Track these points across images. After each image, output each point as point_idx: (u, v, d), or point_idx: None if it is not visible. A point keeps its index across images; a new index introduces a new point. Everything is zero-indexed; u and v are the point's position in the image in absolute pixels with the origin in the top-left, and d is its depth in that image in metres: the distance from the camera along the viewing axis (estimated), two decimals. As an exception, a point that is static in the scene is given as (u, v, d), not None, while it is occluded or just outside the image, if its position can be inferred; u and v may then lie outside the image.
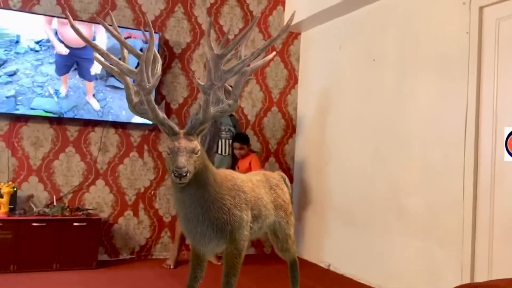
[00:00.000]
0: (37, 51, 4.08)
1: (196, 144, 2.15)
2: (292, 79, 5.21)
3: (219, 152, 4.40)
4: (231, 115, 4.54)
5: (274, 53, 2.56)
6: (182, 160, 2.05)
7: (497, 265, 2.97)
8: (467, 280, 3.03)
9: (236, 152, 4.40)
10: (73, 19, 4.16)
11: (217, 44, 2.22)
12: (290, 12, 5.02)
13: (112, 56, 2.16)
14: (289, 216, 2.88)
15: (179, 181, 2.05)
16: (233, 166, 4.43)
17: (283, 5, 5.12)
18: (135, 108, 2.21)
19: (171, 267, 4.14)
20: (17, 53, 4.01)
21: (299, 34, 5.23)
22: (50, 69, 4.11)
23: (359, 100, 4.25)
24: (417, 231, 3.50)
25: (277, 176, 2.99)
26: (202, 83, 2.14)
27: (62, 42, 4.14)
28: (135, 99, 2.20)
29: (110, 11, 4.38)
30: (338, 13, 4.49)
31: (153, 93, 2.22)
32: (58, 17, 4.16)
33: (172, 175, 2.06)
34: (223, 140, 4.41)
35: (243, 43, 2.25)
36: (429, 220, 3.41)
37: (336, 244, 4.42)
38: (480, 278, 2.97)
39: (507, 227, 2.92)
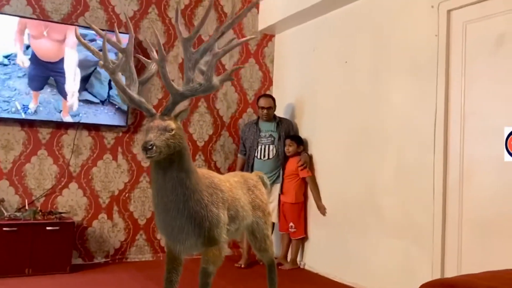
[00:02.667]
0: (5, 65, 3.96)
1: (169, 123, 2.19)
2: (266, 81, 5.25)
3: (258, 156, 4.51)
4: (279, 121, 4.61)
5: (253, 36, 2.58)
6: (151, 136, 2.12)
7: (466, 261, 3.06)
8: (437, 276, 3.11)
9: (285, 148, 4.48)
10: (44, 20, 4.12)
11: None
12: (264, 15, 5.06)
13: (97, 51, 2.35)
14: (267, 217, 2.89)
15: (146, 155, 2.10)
16: (283, 169, 4.52)
17: (257, 8, 5.15)
18: (121, 98, 2.35)
19: (242, 266, 4.33)
20: None
21: (273, 36, 5.28)
22: (19, 83, 4.00)
23: (333, 101, 4.32)
24: (392, 229, 3.57)
25: (254, 177, 3.00)
26: (149, 60, 2.28)
27: (35, 55, 4.04)
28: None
29: (83, 12, 4.33)
30: (312, 15, 4.55)
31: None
32: (28, 18, 4.08)
33: (141, 150, 2.12)
34: (263, 146, 4.52)
35: (205, 25, 2.29)
36: (403, 219, 3.49)
37: (311, 244, 4.47)
38: (450, 273, 3.05)
39: (475, 224, 3.02)
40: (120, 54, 2.39)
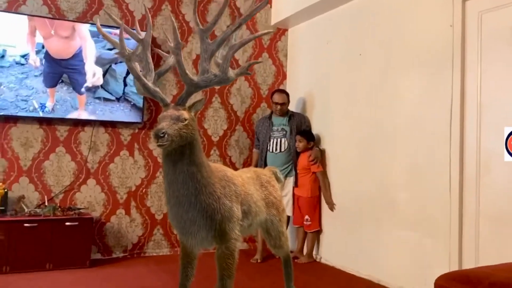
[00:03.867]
0: (22, 64, 4.04)
1: (182, 113, 2.20)
2: (280, 75, 5.25)
3: (270, 150, 4.57)
4: (291, 115, 4.64)
5: (269, 31, 2.58)
6: (163, 124, 2.13)
7: (483, 253, 3.04)
8: (455, 269, 3.10)
9: (296, 144, 4.51)
10: (60, 19, 4.18)
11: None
12: (277, 9, 5.06)
13: (111, 38, 2.39)
14: (281, 214, 2.88)
15: (157, 143, 2.10)
16: (295, 162, 4.54)
17: (270, 2, 5.14)
18: (136, 87, 2.37)
19: (259, 261, 4.38)
20: (2, 66, 3.96)
21: (286, 30, 5.27)
22: (35, 82, 4.08)
23: (346, 95, 4.31)
24: (407, 223, 3.56)
25: (267, 172, 2.98)
26: (171, 44, 2.24)
27: (48, 53, 4.11)
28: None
29: (98, 10, 4.38)
30: (324, 8, 4.54)
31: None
32: (44, 17, 4.15)
33: (153, 138, 2.12)
34: (275, 139, 4.58)
35: (222, 16, 2.30)
36: (418, 212, 3.48)
37: (327, 238, 4.48)
38: (467, 266, 3.04)
39: (492, 217, 3.00)
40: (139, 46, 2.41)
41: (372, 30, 4.03)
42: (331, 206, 4.38)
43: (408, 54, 3.64)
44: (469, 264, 3.05)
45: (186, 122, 2.18)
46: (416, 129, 3.53)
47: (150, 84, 2.25)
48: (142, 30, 2.47)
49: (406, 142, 3.61)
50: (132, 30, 2.46)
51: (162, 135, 2.08)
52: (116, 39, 2.36)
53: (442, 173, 3.28)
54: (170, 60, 2.49)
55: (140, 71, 2.32)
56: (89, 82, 4.24)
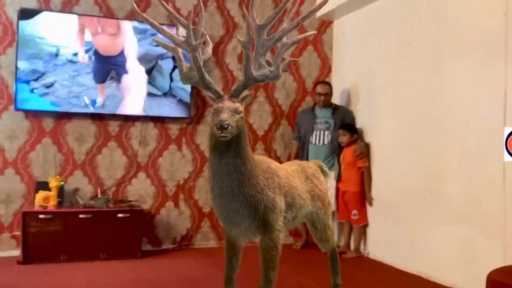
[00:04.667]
0: (74, 62, 4.22)
1: (238, 105, 2.20)
2: (325, 68, 5.21)
3: (313, 142, 4.59)
4: (335, 108, 4.65)
5: (315, 32, 2.56)
6: (225, 115, 2.11)
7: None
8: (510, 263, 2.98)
9: (339, 139, 4.50)
10: (109, 18, 4.33)
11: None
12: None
13: (166, 29, 2.28)
14: (327, 207, 2.86)
15: (221, 133, 2.09)
16: (338, 156, 4.56)
17: (315, -6, 5.10)
18: (185, 76, 2.30)
19: (299, 247, 4.61)
20: (55, 64, 4.16)
21: (331, 22, 5.21)
22: (87, 79, 4.25)
23: (394, 86, 4.22)
24: (456, 216, 3.47)
25: (313, 165, 2.95)
26: (241, 39, 2.22)
27: (97, 51, 4.27)
28: (185, 69, 2.30)
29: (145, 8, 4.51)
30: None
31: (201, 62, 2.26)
32: (95, 16, 4.31)
33: (215, 128, 2.10)
34: (318, 132, 4.59)
35: (285, 18, 2.29)
36: (469, 206, 3.37)
37: (374, 233, 4.42)
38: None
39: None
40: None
41: (420, 19, 3.92)
42: (370, 201, 4.36)
43: (459, 43, 3.52)
44: (525, 260, 2.93)
45: (241, 115, 2.21)
46: (468, 120, 3.41)
47: (206, 75, 2.26)
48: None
49: (457, 133, 3.50)
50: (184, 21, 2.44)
51: (226, 126, 2.08)
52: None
53: (495, 166, 3.16)
54: (208, 50, 2.48)
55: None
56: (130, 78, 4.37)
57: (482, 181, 3.28)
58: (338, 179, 4.52)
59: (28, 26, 4.07)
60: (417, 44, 3.95)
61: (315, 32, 2.65)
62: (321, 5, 2.26)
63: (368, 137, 4.53)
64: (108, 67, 4.33)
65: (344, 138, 4.44)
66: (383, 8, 4.40)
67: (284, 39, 2.27)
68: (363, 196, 4.45)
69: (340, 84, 4.96)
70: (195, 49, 2.22)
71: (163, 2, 2.31)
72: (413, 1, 4.02)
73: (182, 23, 2.29)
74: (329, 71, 5.22)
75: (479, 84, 3.34)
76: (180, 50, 2.30)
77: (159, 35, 2.37)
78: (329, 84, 4.73)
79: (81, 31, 4.25)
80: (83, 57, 4.25)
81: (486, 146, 3.25)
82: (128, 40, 4.38)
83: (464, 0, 3.49)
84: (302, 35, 2.37)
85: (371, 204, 4.38)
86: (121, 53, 4.37)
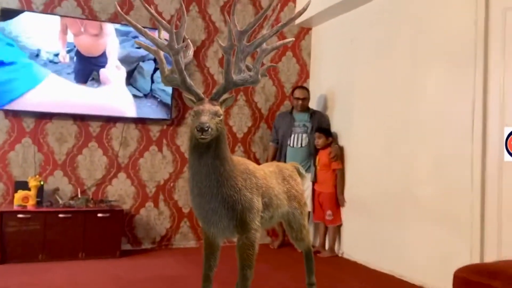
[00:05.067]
0: (55, 62, 4.24)
1: (218, 108, 2.26)
2: (303, 74, 5.34)
3: (291, 144, 4.73)
4: (313, 112, 4.80)
5: (293, 39, 2.66)
6: (205, 118, 2.17)
7: (505, 248, 3.06)
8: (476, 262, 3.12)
9: (315, 142, 4.64)
10: (92, 20, 4.37)
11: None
12: (301, 8, 5.12)
13: (148, 32, 2.33)
14: (303, 207, 2.92)
15: (201, 135, 2.14)
16: (314, 158, 4.68)
17: (294, 1, 5.24)
18: (166, 79, 2.35)
19: (276, 247, 4.75)
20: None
21: (310, 29, 5.35)
22: (68, 79, 4.27)
23: (370, 92, 4.36)
24: (429, 218, 3.59)
25: (290, 167, 3.03)
26: (223, 45, 2.28)
27: (79, 51, 4.31)
28: (167, 72, 2.35)
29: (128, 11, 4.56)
30: (348, 7, 4.59)
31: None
32: (78, 18, 4.34)
33: (195, 130, 2.16)
34: (296, 135, 4.74)
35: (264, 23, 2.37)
36: (441, 207, 3.50)
37: (349, 233, 4.54)
38: (489, 261, 3.05)
39: (514, 211, 3.02)
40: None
41: (396, 28, 4.06)
42: (342, 202, 4.55)
43: (432, 51, 3.66)
44: (490, 259, 3.06)
45: (221, 118, 2.26)
46: (440, 125, 3.55)
47: (188, 78, 2.31)
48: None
49: (430, 138, 3.64)
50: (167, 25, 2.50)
51: (207, 128, 2.14)
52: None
53: (464, 169, 3.31)
54: (189, 53, 2.54)
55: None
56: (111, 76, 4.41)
57: (452, 184, 3.42)
58: (315, 180, 4.65)
59: (10, 26, 4.09)
60: (392, 52, 4.10)
61: (294, 39, 2.75)
62: (300, 13, 2.36)
63: (343, 141, 4.67)
64: (89, 68, 4.36)
65: (319, 141, 4.59)
66: (360, 16, 4.55)
67: (264, 45, 2.35)
68: (337, 197, 4.58)
69: (317, 90, 5.09)
70: (177, 52, 2.27)
71: (146, 6, 2.37)
72: (389, 9, 4.17)
73: (164, 26, 2.35)
74: (307, 76, 5.35)
75: (451, 91, 3.48)
76: (162, 52, 2.35)
77: (141, 38, 2.42)
78: (307, 89, 4.90)
79: (63, 31, 4.28)
80: (64, 57, 4.28)
81: (457, 150, 3.39)
82: (110, 41, 4.42)
83: (437, 9, 3.64)
84: (281, 42, 2.46)
85: (343, 205, 4.53)
86: (103, 54, 4.41)
